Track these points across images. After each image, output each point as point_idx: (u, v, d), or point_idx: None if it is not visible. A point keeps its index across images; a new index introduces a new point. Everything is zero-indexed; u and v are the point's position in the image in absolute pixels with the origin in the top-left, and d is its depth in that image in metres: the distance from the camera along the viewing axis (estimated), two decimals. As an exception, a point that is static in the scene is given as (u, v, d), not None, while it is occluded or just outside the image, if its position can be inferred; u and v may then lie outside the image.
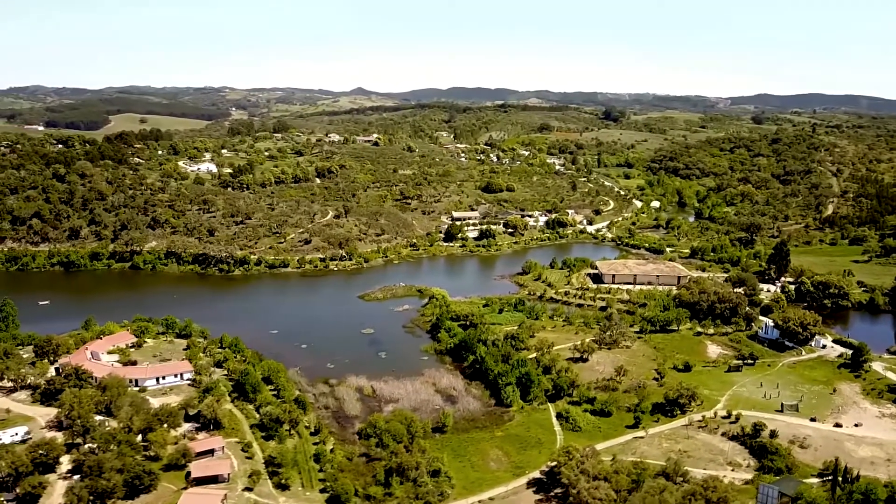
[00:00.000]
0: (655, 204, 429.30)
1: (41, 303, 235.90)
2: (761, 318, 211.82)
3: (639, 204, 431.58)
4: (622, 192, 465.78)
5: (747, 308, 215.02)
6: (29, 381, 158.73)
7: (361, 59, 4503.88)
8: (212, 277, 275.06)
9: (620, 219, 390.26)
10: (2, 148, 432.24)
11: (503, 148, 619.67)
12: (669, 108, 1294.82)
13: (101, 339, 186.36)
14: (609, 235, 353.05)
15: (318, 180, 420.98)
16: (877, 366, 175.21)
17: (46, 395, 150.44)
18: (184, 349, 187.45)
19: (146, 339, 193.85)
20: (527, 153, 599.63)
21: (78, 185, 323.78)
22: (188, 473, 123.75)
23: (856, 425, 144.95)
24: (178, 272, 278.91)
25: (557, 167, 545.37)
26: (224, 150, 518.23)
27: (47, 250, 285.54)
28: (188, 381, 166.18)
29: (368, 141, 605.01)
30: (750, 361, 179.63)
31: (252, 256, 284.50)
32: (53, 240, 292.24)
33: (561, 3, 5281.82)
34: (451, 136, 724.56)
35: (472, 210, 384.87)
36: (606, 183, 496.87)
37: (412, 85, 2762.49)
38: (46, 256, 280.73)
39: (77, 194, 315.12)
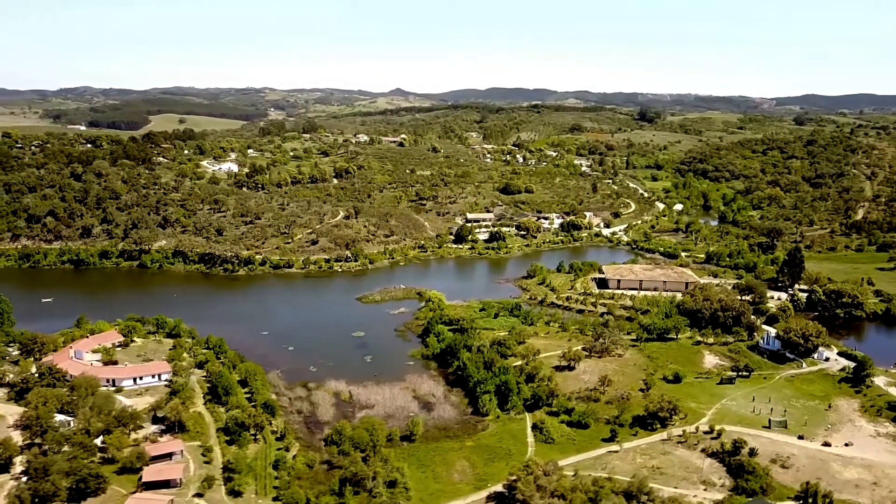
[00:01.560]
0: (678, 207, 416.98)
1: (44, 300, 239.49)
2: (765, 327, 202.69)
3: (661, 206, 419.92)
4: (646, 195, 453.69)
5: (752, 317, 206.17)
6: (7, 379, 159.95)
7: (401, 60, 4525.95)
8: (216, 277, 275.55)
9: (640, 222, 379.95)
10: (32, 147, 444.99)
11: (531, 149, 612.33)
12: (711, 108, 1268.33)
13: (87, 338, 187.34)
14: (625, 239, 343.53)
15: (335, 181, 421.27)
16: (880, 381, 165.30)
17: (20, 394, 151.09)
18: (170, 349, 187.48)
19: (135, 339, 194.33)
20: (554, 154, 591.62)
21: (93, 185, 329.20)
22: (140, 477, 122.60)
23: (846, 444, 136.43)
24: (183, 271, 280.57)
25: (584, 168, 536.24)
26: (250, 150, 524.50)
27: (58, 248, 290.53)
28: (165, 382, 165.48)
29: (394, 142, 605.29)
30: (745, 374, 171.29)
31: (257, 256, 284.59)
32: (66, 238, 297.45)
33: (601, 2, 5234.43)
34: (481, 137, 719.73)
35: (488, 212, 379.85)
36: (631, 185, 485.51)
37: (450, 85, 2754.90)
38: (57, 254, 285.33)
39: (91, 193, 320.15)
